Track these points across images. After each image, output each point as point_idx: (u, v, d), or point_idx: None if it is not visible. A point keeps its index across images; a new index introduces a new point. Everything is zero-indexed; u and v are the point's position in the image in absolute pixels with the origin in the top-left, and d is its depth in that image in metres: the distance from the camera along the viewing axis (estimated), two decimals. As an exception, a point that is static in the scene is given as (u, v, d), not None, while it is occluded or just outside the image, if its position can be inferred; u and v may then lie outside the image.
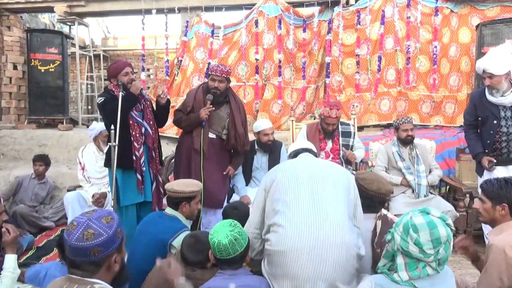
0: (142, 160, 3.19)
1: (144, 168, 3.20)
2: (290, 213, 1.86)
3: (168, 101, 3.41)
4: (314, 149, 2.38)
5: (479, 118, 3.47)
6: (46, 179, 4.74)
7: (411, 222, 1.59)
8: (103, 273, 1.40)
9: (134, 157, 3.14)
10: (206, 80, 3.56)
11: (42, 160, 4.67)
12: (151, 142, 3.26)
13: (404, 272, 1.60)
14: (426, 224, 1.56)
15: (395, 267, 1.63)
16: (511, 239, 1.83)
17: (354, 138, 4.02)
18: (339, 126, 3.98)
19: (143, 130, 3.22)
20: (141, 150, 3.18)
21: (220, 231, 1.92)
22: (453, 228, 1.61)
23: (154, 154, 3.30)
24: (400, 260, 1.62)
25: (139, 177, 3.16)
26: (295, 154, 2.34)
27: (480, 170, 3.53)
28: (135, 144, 3.15)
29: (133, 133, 3.15)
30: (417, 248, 1.55)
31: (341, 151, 3.90)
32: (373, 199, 2.23)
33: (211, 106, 3.33)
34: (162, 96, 3.31)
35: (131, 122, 3.15)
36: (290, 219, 1.85)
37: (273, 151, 4.02)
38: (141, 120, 3.22)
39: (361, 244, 1.92)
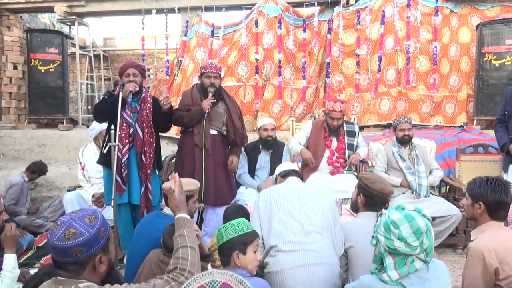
0: (123, 161, 3.11)
1: (124, 170, 3.12)
2: (284, 240, 2.19)
3: (171, 108, 3.34)
4: (299, 172, 2.76)
5: (506, 112, 3.47)
6: None
7: (390, 219, 1.63)
8: (88, 274, 1.37)
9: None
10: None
11: (46, 171, 4.78)
12: (139, 145, 3.18)
13: (394, 271, 1.61)
14: (404, 217, 1.61)
15: (385, 268, 1.65)
16: (490, 242, 1.84)
17: (358, 138, 4.06)
18: (344, 125, 4.01)
19: (131, 131, 3.15)
20: (123, 150, 3.11)
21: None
22: (429, 218, 1.66)
23: (144, 158, 3.19)
24: (389, 260, 1.64)
25: (118, 178, 3.09)
26: (285, 174, 2.67)
27: (506, 166, 3.50)
28: (119, 144, 3.07)
29: (119, 132, 3.07)
30: (402, 242, 1.59)
31: (346, 151, 3.94)
32: (375, 198, 2.34)
33: (213, 98, 3.37)
34: (164, 102, 3.24)
35: (119, 122, 3.07)
36: (284, 245, 2.17)
37: (275, 150, 4.06)
38: (130, 121, 3.15)
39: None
